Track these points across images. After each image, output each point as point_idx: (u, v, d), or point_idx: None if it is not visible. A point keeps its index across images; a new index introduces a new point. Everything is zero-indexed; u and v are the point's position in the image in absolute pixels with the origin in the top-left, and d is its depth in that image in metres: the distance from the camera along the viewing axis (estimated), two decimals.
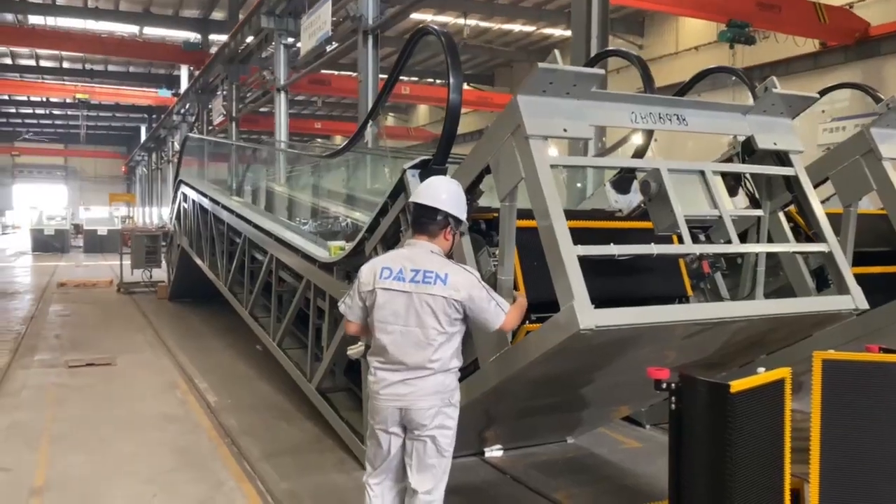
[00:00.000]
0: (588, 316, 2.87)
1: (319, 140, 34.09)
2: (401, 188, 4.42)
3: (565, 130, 3.22)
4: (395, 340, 3.19)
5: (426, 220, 3.30)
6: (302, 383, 6.28)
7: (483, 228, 4.00)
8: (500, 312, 3.18)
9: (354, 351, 4.94)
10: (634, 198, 4.61)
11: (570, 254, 2.95)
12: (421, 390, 3.18)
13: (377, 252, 4.86)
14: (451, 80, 4.08)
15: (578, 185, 6.30)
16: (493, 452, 5.31)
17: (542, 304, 3.65)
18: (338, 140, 34.19)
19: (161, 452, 5.41)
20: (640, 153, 4.52)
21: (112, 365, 8.30)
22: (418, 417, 3.19)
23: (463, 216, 3.35)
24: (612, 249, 3.11)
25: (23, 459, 5.21)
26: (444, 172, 4.33)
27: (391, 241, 4.78)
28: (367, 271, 3.34)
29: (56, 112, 40.40)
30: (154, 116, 36.78)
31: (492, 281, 3.69)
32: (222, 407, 6.64)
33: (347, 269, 5.60)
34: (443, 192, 3.32)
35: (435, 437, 3.21)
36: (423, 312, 3.15)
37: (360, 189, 8.84)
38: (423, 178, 4.36)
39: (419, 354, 3.16)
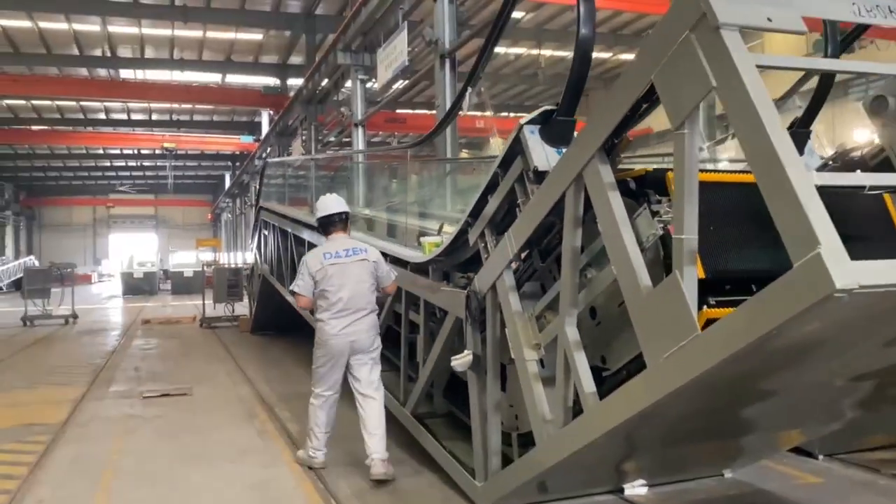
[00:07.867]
0: (846, 269, 1.88)
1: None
2: (517, 150, 3.56)
3: (770, 20, 2.30)
4: (346, 296, 4.68)
5: (338, 221, 4.93)
6: (395, 409, 5.40)
7: (633, 188, 3.08)
8: (392, 273, 4.99)
9: (460, 361, 4.18)
10: None
11: (804, 181, 2.00)
12: (364, 327, 4.71)
13: (484, 240, 4.04)
14: (581, 9, 3.26)
15: None
16: (636, 489, 4.25)
17: (725, 281, 2.72)
18: (413, 180, 33.62)
19: (236, 487, 4.65)
20: None
21: (188, 395, 7.73)
22: (364, 345, 4.72)
23: (348, 210, 5.02)
24: (861, 178, 2.14)
25: (80, 496, 4.55)
26: (572, 125, 3.48)
27: (501, 225, 3.91)
28: (312, 259, 4.81)
29: (146, 164, 42.27)
30: (237, 164, 37.78)
31: (657, 247, 2.77)
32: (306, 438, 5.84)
33: (445, 268, 4.77)
34: (334, 202, 4.98)
35: (375, 356, 4.79)
36: (360, 273, 4.74)
37: (436, 205, 8.42)
38: (544, 134, 3.50)
39: (361, 301, 4.72)
